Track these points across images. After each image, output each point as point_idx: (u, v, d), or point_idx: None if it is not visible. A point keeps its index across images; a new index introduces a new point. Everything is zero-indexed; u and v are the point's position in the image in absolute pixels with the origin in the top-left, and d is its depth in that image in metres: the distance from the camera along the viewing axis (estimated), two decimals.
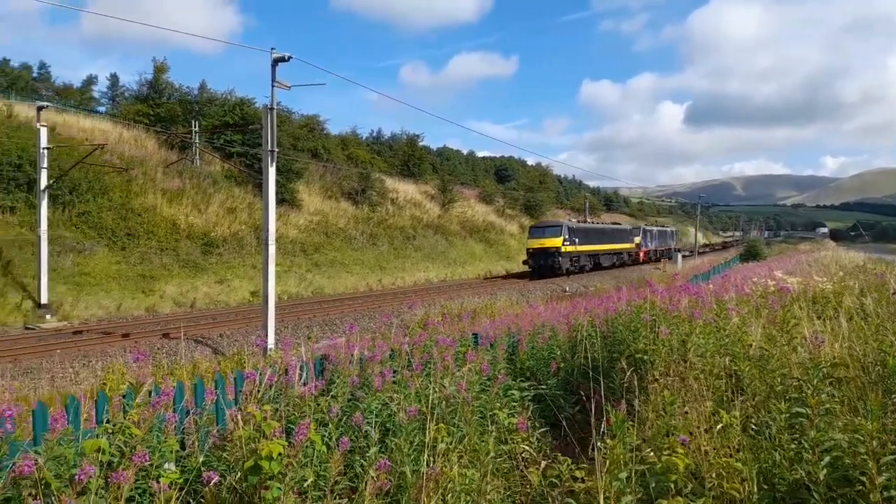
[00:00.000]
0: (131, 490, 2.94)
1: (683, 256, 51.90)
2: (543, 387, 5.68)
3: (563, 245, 37.18)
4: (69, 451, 3.05)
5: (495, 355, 5.89)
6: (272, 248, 15.79)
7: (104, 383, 12.63)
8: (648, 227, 59.15)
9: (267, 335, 15.61)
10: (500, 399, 4.98)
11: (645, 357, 5.00)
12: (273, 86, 14.28)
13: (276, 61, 14.16)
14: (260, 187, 34.34)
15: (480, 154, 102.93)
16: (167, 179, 31.34)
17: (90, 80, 56.38)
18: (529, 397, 5.17)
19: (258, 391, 4.15)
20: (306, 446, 3.32)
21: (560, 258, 36.97)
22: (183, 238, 28.53)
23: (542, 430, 4.88)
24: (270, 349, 15.79)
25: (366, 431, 4.05)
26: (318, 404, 4.23)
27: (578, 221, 48.25)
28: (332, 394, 4.70)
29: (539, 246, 37.46)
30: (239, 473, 3.21)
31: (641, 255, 52.83)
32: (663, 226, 70.55)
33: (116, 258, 25.24)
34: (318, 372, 5.25)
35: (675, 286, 7.91)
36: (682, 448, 2.86)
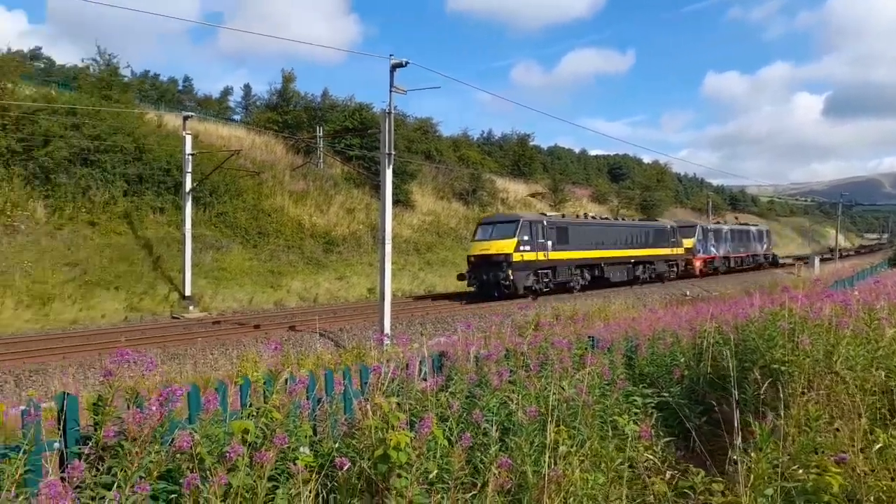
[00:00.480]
0: (272, 470, 3.18)
1: (821, 260, 46.33)
2: (666, 394, 5.45)
3: (517, 251, 24.20)
4: (219, 430, 3.35)
5: (613, 359, 5.73)
6: (388, 247, 16.36)
7: (239, 370, 13.75)
8: (715, 226, 42.72)
9: (383, 330, 16.20)
10: (620, 405, 4.85)
11: (782, 368, 4.64)
12: (391, 91, 14.79)
13: (394, 67, 14.66)
14: (377, 189, 35.73)
15: (593, 152, 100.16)
16: (293, 182, 33.44)
17: (227, 91, 61.44)
18: (653, 404, 4.98)
19: (383, 384, 4.33)
20: (429, 440, 3.42)
21: (512, 271, 23.91)
22: (307, 237, 30.33)
23: (667, 439, 4.68)
24: (387, 344, 16.39)
25: (484, 429, 4.10)
26: (438, 400, 4.34)
27: (566, 215, 32.73)
28: (450, 390, 4.80)
29: (481, 252, 24.71)
30: (367, 461, 3.37)
31: (697, 264, 37.74)
32: (745, 224, 51.52)
33: (249, 255, 27.30)
34: (437, 368, 5.39)
35: (816, 292, 7.26)
36: (837, 467, 2.62)
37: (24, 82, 26.47)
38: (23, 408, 3.23)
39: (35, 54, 51.74)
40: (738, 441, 2.87)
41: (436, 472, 3.25)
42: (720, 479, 2.98)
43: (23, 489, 2.80)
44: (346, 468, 3.07)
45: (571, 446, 3.64)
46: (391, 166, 15.93)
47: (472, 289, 25.30)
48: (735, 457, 2.76)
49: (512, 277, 23.93)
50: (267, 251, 27.99)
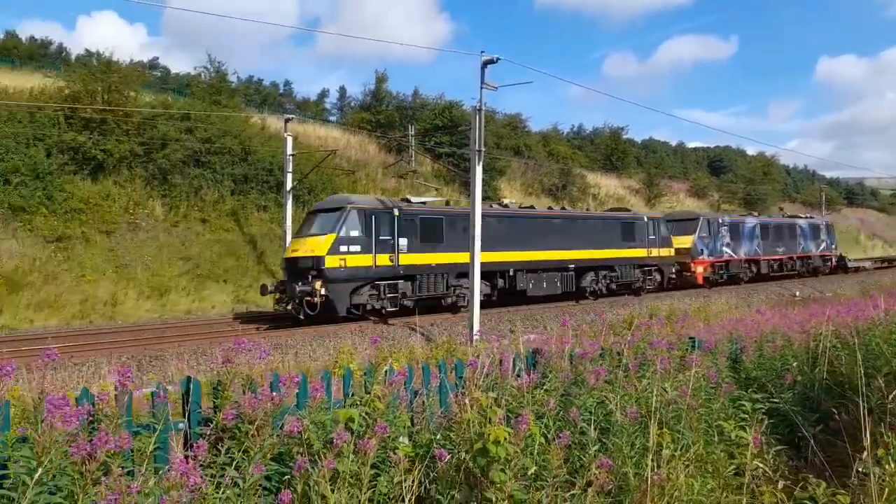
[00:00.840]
0: (374, 458, 3.30)
1: None
2: (777, 400, 5.13)
3: (330, 253, 16.92)
4: (325, 417, 3.52)
5: (716, 362, 5.47)
6: (478, 244, 16.41)
7: (336, 360, 14.32)
8: (733, 218, 32.36)
9: (473, 326, 16.29)
10: (726, 409, 4.62)
11: None
12: (482, 87, 14.82)
13: (485, 63, 14.68)
14: (465, 185, 35.99)
15: (691, 145, 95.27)
16: (385, 180, 34.32)
17: (323, 94, 64.04)
18: (762, 410, 4.71)
19: (478, 378, 4.38)
20: (527, 436, 3.42)
21: (324, 282, 16.72)
22: None
23: (778, 447, 4.41)
24: (476, 339, 16.47)
25: (581, 428, 4.05)
26: (534, 397, 4.32)
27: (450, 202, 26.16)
28: (545, 387, 4.78)
29: (290, 255, 18.11)
30: (464, 453, 3.42)
31: (698, 269, 28.29)
32: (793, 216, 39.45)
33: None
34: (531, 365, 5.37)
35: None
36: None
37: (145, 90, 28.78)
38: (152, 390, 3.53)
39: (153, 64, 56.15)
40: (868, 452, 2.66)
41: (534, 468, 3.25)
42: (843, 491, 2.78)
43: (152, 465, 3.07)
44: (445, 460, 3.13)
45: (675, 450, 3.51)
46: (481, 163, 15.97)
47: (280, 308, 18.12)
48: (863, 469, 2.56)
49: (323, 292, 16.54)
50: None
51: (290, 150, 23.66)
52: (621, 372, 4.81)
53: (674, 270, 27.49)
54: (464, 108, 38.33)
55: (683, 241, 27.86)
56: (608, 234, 24.70)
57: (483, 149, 15.86)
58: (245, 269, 24.65)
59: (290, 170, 23.58)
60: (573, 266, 23.08)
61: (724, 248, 30.05)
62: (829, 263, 38.39)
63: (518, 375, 5.03)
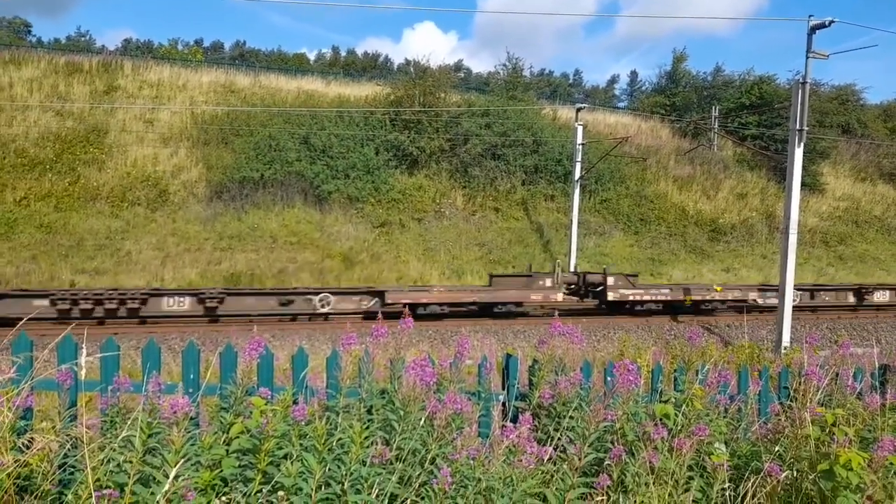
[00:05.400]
0: (691, 459, 3.13)
1: None
2: None
3: None
4: (638, 409, 3.47)
5: None
6: (793, 238, 14.40)
7: (621, 352, 14.08)
8: None
9: (782, 331, 14.40)
10: None
11: None
12: (808, 57, 12.84)
13: (813, 29, 12.68)
14: (775, 171, 31.75)
15: None
16: (678, 167, 32.24)
17: (613, 80, 63.06)
18: None
19: (811, 391, 3.84)
20: (886, 465, 2.88)
21: None
22: (690, 224, 28.97)
23: None
24: (785, 346, 14.52)
25: None
26: (890, 419, 3.62)
27: None
28: None
29: None
30: (796, 472, 3.04)
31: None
32: None
33: (630, 241, 27.54)
34: (879, 383, 4.54)
35: None
36: None
37: (451, 91, 31.89)
38: (476, 362, 3.91)
39: (458, 66, 61.89)
40: None
41: None
42: None
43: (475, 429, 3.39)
44: (779, 476, 2.82)
45: None
46: (802, 144, 13.90)
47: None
48: None
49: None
50: (648, 238, 27.76)
51: (580, 140, 23.80)
52: None
53: None
54: (777, 84, 33.83)
55: None
56: None
57: (805, 128, 13.78)
58: (532, 257, 25.71)
59: (579, 159, 23.73)
60: None
61: None
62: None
63: (859, 394, 4.31)
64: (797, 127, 13.65)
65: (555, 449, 3.06)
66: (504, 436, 2.70)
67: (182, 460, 2.42)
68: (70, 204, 21.46)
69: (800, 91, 13.53)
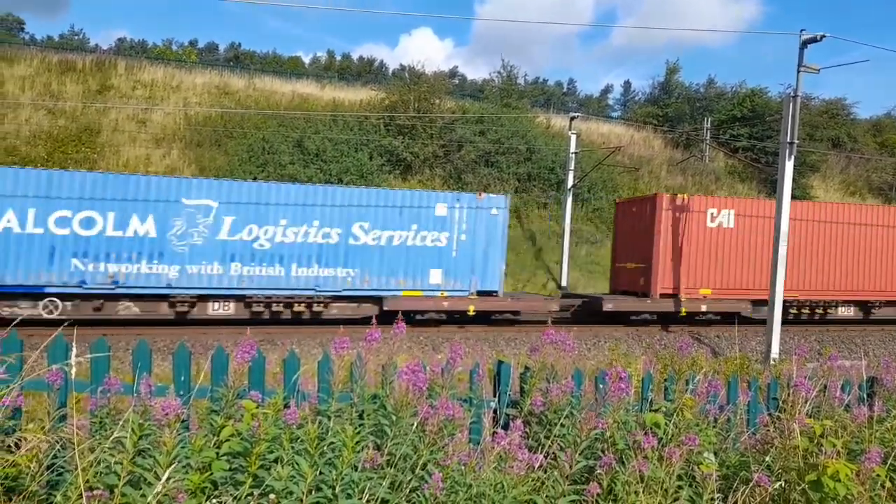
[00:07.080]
0: (680, 469, 3.15)
1: None
2: None
3: None
4: (628, 417, 3.48)
5: None
6: (783, 250, 14.53)
7: (611, 361, 14.11)
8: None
9: (771, 343, 14.50)
10: None
11: None
12: (799, 71, 12.99)
13: (805, 43, 12.83)
14: (765, 183, 32.03)
15: None
16: (670, 177, 32.47)
17: (607, 90, 63.40)
18: None
19: (800, 402, 3.87)
20: (871, 477, 2.92)
21: None
22: None
23: None
24: (774, 358, 14.62)
25: None
26: (876, 432, 3.66)
27: None
28: (886, 424, 4.03)
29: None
30: (785, 482, 3.07)
31: None
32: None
33: None
34: (866, 395, 4.59)
35: None
36: None
37: (445, 97, 31.98)
38: (471, 369, 3.91)
39: (452, 72, 62.08)
40: None
41: None
42: None
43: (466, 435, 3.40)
44: (768, 486, 2.84)
45: None
46: (793, 157, 14.04)
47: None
48: None
49: None
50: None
51: (573, 148, 23.91)
52: None
53: None
54: (768, 96, 34.18)
55: None
56: None
57: (795, 141, 13.93)
58: (524, 264, 25.76)
59: (573, 168, 23.83)
60: None
61: None
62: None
63: (847, 406, 4.36)
64: (788, 139, 13.79)
65: (545, 456, 3.07)
66: (495, 442, 2.72)
67: (174, 462, 2.42)
68: None
69: (791, 105, 13.68)
